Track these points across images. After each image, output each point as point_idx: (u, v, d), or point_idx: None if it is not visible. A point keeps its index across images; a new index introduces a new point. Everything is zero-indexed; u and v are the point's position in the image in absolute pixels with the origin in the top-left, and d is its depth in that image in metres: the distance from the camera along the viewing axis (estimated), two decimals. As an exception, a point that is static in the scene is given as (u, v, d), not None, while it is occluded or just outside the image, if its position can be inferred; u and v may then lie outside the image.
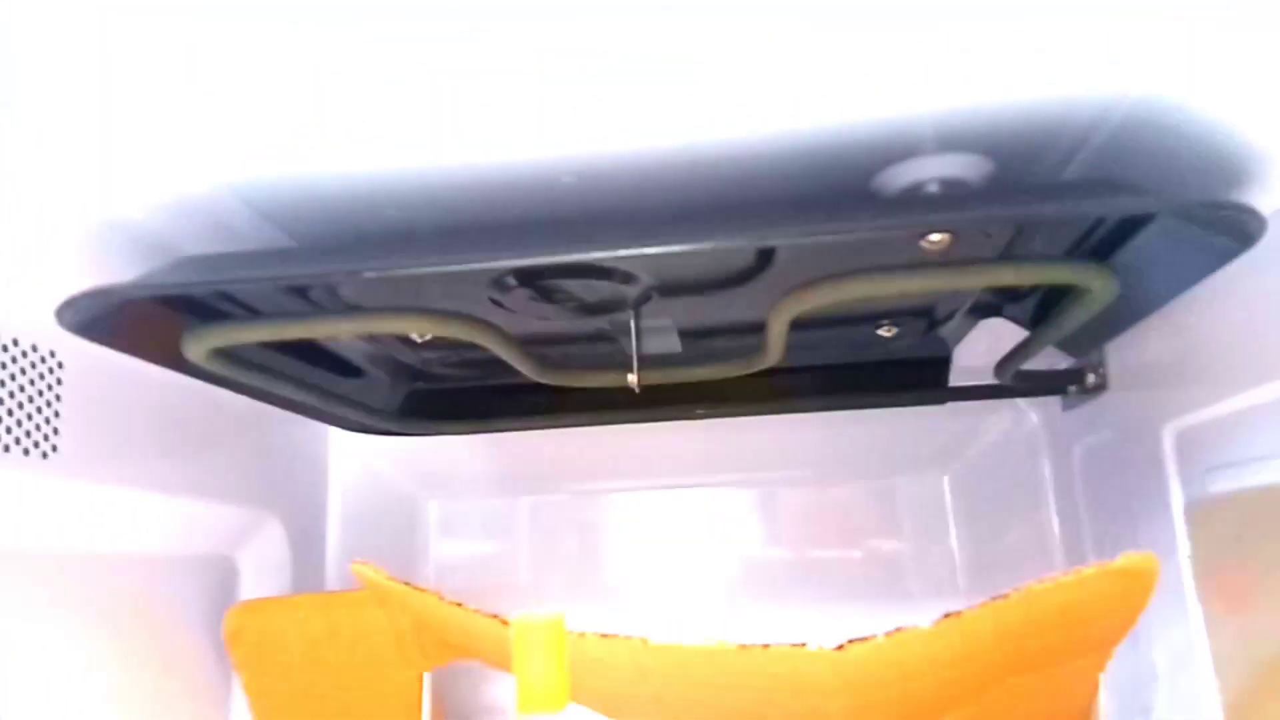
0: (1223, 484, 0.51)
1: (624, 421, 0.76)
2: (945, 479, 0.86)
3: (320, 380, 0.69)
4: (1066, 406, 0.74)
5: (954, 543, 0.84)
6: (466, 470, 0.87)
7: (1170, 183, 0.47)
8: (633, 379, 0.61)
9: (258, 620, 0.65)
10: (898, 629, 0.44)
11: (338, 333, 0.62)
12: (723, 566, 0.85)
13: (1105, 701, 0.58)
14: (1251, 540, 0.49)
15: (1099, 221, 0.50)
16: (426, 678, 0.66)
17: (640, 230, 0.43)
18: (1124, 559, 0.45)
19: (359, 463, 0.84)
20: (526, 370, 0.62)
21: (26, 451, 0.49)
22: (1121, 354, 0.64)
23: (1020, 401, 0.79)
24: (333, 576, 0.81)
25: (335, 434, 0.84)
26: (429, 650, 0.65)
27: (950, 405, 0.75)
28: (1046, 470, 0.79)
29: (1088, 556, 0.71)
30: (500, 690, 0.80)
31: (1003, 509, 0.82)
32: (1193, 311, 0.53)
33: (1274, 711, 0.48)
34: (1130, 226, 0.49)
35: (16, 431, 0.48)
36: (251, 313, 0.54)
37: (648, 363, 0.64)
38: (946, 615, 0.44)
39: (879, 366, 0.75)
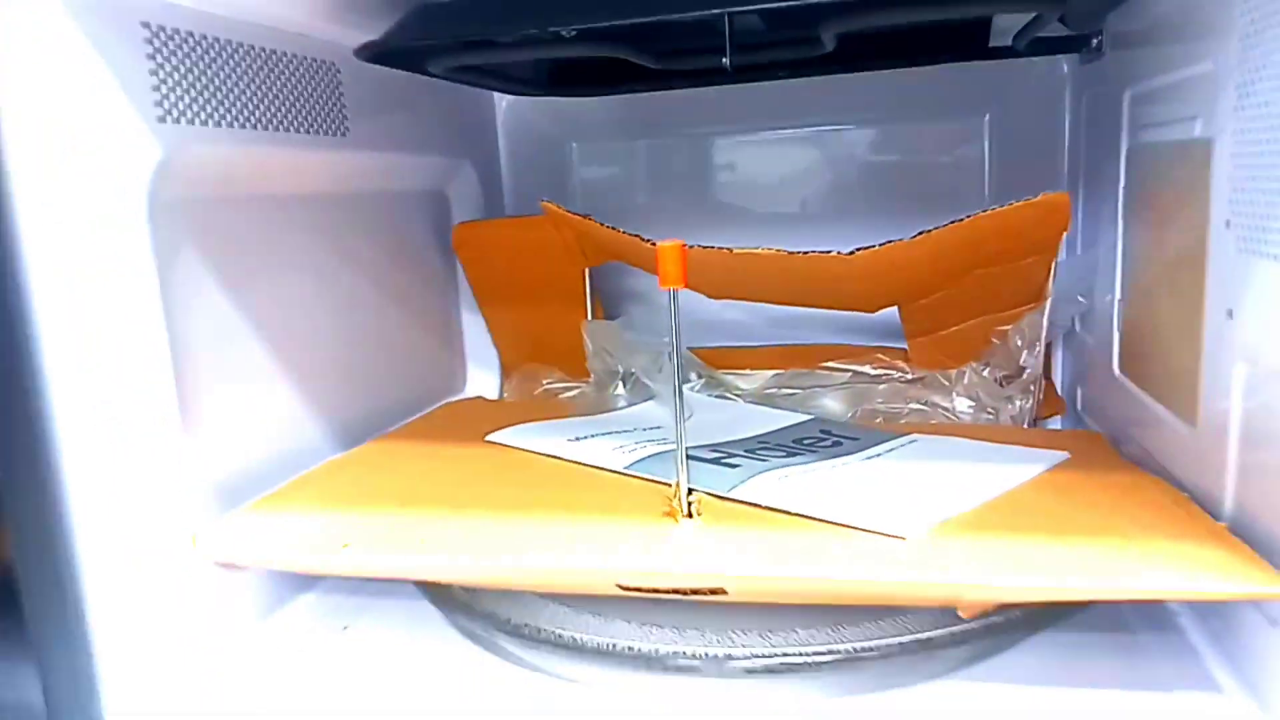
0: (1149, 136, 0.72)
1: (721, 84, 0.98)
2: (986, 119, 1.05)
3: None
4: (1083, 61, 0.91)
5: (987, 176, 1.06)
6: (599, 119, 1.12)
7: None
8: (725, 61, 0.82)
9: (474, 234, 0.97)
10: (888, 241, 0.70)
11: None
12: (792, 195, 1.11)
13: (1055, 283, 0.84)
14: (1157, 177, 0.70)
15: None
16: (587, 273, 0.97)
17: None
18: (1043, 196, 0.68)
19: (519, 119, 1.10)
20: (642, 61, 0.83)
21: (330, 134, 0.76)
22: (1113, 26, 0.80)
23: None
24: (509, 205, 1.11)
25: (499, 99, 1.10)
26: (588, 254, 0.95)
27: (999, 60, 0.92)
28: (1066, 114, 0.98)
29: (1079, 188, 0.93)
30: (637, 282, 1.11)
31: (1029, 148, 1.02)
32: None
33: (1154, 291, 0.73)
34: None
35: (323, 124, 0.75)
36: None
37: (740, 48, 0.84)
38: (920, 232, 0.70)
39: (929, 31, 0.92)
